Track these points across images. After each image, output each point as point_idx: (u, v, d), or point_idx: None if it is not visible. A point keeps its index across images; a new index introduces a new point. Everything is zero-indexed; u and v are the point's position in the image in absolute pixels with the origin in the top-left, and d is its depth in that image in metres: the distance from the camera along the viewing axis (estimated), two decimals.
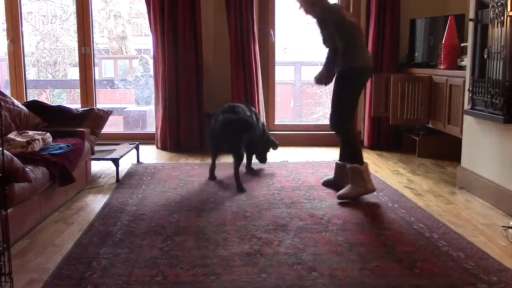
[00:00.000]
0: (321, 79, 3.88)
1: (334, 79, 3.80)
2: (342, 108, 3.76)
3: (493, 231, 3.10)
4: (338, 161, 3.99)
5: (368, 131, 5.71)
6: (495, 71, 3.43)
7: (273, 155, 4.98)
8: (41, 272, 2.52)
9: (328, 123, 3.90)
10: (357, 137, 3.84)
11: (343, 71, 3.73)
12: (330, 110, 3.86)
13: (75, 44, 6.81)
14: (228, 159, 4.39)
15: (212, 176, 4.34)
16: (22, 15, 5.92)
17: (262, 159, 4.72)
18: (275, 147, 4.80)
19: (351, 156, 3.76)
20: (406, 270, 2.53)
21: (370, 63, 3.87)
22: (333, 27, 3.66)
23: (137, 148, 4.97)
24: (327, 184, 4.07)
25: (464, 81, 4.13)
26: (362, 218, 3.32)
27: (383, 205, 3.59)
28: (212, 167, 4.36)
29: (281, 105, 7.84)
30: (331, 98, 3.92)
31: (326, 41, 3.72)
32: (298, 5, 3.79)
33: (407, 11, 5.63)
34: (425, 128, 5.34)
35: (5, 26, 5.86)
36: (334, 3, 3.97)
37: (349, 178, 3.70)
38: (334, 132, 3.85)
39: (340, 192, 3.72)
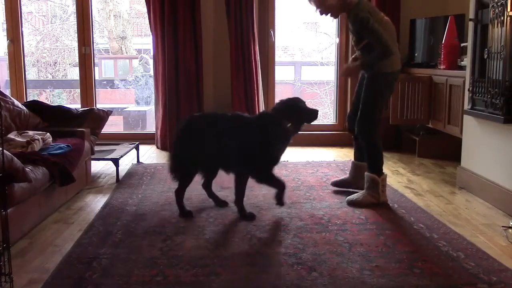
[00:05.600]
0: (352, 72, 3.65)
1: (364, 83, 3.59)
2: (372, 113, 3.55)
3: (493, 231, 3.10)
4: (354, 161, 3.85)
5: None
6: (495, 71, 3.43)
7: None
8: (41, 272, 2.52)
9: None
10: (381, 144, 3.61)
11: (375, 75, 3.52)
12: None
13: (75, 44, 6.82)
14: None
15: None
16: (22, 15, 5.92)
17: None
18: None
19: (372, 163, 3.59)
20: (406, 270, 2.52)
21: (400, 65, 3.64)
22: (378, 30, 3.40)
23: (137, 148, 4.97)
24: (337, 184, 3.93)
25: (464, 81, 4.13)
26: (362, 218, 3.32)
27: (383, 205, 3.58)
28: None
29: None
30: (353, 101, 3.67)
31: (374, 47, 3.43)
32: (314, 7, 3.53)
33: (407, 11, 5.63)
34: (425, 128, 5.34)
35: (5, 26, 5.86)
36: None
37: (366, 184, 3.59)
38: (359, 137, 3.64)
39: (353, 197, 3.60)
